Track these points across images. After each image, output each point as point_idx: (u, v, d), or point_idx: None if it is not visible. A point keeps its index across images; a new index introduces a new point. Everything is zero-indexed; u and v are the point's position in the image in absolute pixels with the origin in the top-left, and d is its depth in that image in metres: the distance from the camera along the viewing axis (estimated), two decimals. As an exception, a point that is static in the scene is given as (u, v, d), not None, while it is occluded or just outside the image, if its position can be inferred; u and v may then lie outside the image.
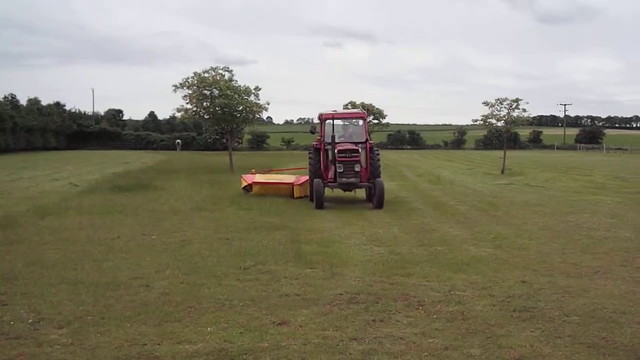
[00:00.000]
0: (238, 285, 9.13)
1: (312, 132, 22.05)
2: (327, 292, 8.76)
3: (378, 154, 20.32)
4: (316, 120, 21.49)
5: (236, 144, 68.99)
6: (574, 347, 6.55)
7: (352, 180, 19.00)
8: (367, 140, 20.25)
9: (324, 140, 20.10)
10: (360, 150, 19.26)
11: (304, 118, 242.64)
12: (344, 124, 22.06)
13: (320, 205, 18.41)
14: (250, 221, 15.57)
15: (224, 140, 53.27)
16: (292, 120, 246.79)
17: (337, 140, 19.41)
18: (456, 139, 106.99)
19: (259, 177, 22.69)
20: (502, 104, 36.37)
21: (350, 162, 18.87)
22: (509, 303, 8.24)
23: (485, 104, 36.66)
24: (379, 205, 18.55)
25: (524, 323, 7.39)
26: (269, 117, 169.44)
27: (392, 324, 7.33)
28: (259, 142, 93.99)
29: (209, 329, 7.12)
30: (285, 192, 21.41)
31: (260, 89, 38.00)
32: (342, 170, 18.87)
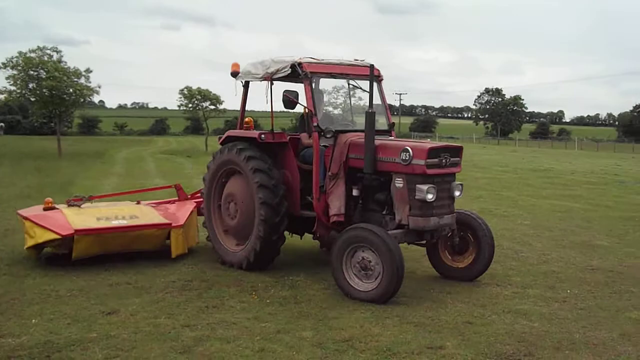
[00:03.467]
0: (65, 275, 8.77)
1: (290, 106, 8.57)
2: (159, 279, 8.66)
3: None
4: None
5: (65, 128, 66.00)
6: (402, 326, 6.86)
7: (447, 219, 8.27)
8: (392, 126, 9.71)
9: (316, 124, 8.57)
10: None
11: (139, 102, 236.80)
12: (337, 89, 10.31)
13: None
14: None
15: (52, 124, 50.72)
16: (126, 105, 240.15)
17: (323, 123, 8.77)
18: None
19: (81, 219, 9.30)
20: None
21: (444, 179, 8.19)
22: (339, 286, 8.54)
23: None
24: (486, 267, 8.88)
25: (355, 305, 7.58)
26: (100, 101, 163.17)
27: (225, 310, 7.39)
28: (90, 127, 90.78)
29: (33, 320, 6.81)
30: (152, 244, 9.80)
31: (91, 71, 37.56)
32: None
